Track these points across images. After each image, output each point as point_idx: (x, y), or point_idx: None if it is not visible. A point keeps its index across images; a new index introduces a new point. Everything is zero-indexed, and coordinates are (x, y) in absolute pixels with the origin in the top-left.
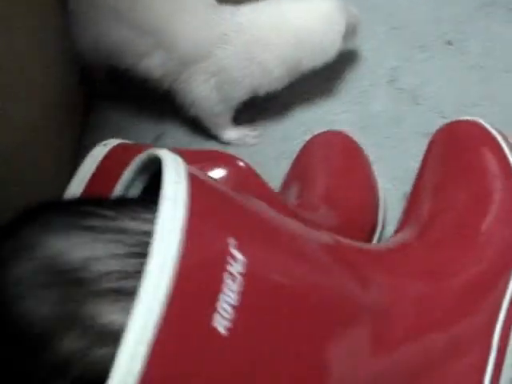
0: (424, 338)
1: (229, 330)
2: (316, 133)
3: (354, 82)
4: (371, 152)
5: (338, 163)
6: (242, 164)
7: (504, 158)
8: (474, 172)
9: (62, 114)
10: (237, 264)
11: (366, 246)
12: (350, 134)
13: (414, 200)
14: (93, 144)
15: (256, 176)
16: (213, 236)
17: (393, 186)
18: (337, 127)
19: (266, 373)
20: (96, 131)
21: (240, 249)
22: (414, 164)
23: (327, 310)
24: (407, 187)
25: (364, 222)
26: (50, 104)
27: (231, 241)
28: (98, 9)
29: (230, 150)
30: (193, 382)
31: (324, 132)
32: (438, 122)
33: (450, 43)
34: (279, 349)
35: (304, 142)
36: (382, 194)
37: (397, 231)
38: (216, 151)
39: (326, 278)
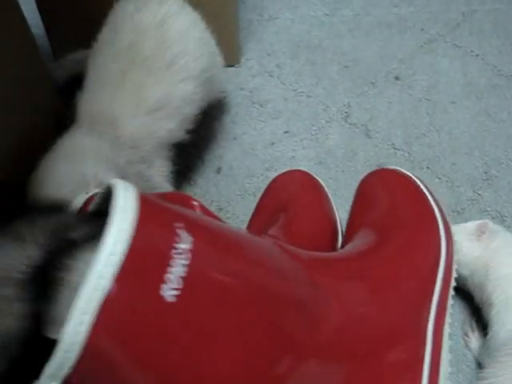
0: (358, 328)
1: (177, 297)
2: (280, 172)
3: (311, 120)
4: (328, 185)
5: (302, 200)
6: (195, 203)
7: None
8: (400, 210)
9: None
10: (184, 242)
11: (315, 253)
12: (310, 172)
13: (351, 226)
14: None
15: (208, 211)
16: (160, 222)
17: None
18: (296, 164)
19: (207, 338)
20: None
21: (188, 230)
22: None
23: (267, 295)
24: None
25: (326, 249)
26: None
27: (178, 224)
28: None
29: (198, 190)
30: (141, 339)
31: (287, 171)
32: (390, 154)
33: (398, 78)
34: (221, 317)
35: (266, 179)
36: (339, 224)
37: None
38: (173, 193)
39: (266, 268)
